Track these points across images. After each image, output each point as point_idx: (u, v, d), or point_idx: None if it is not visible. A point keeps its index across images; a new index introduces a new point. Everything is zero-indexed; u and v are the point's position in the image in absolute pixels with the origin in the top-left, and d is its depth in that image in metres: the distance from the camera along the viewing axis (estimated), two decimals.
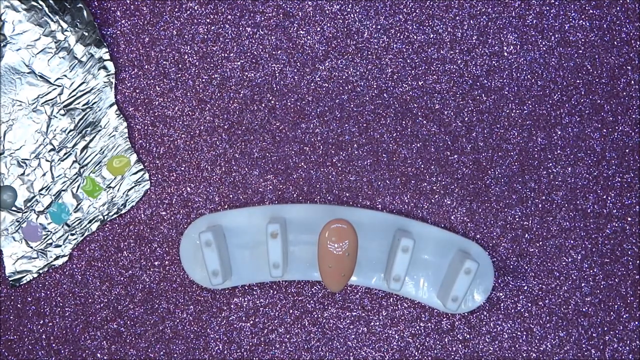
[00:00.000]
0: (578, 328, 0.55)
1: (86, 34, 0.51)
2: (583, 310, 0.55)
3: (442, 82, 0.54)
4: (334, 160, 0.54)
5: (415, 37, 0.54)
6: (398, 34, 0.53)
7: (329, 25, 0.53)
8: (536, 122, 0.54)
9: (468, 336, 0.55)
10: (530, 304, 0.55)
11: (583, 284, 0.55)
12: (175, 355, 0.55)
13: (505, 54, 0.54)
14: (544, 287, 0.55)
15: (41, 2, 0.50)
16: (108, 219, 0.54)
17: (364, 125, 0.54)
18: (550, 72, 0.54)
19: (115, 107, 0.53)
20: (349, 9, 0.53)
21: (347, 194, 0.54)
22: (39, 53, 0.51)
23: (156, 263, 0.55)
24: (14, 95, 0.51)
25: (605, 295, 0.55)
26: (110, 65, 0.52)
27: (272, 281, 0.54)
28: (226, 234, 0.53)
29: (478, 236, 0.55)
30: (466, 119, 0.54)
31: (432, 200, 0.54)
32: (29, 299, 0.54)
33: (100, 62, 0.52)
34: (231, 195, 0.54)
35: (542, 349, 0.55)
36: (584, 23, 0.54)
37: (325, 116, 0.54)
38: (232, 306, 0.55)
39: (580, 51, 0.54)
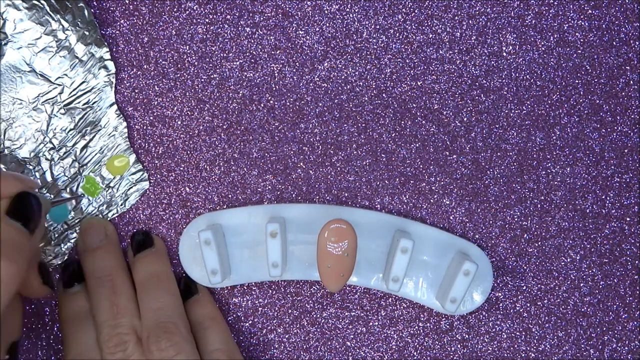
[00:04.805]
0: (577, 328, 0.55)
1: (87, 33, 0.51)
2: (582, 310, 0.55)
3: (441, 82, 0.54)
4: (333, 160, 0.54)
5: (414, 37, 0.54)
6: (397, 34, 0.54)
7: (328, 25, 0.53)
8: (535, 122, 0.54)
9: (467, 336, 0.55)
10: (529, 304, 0.55)
11: (582, 284, 0.55)
12: None
13: (504, 54, 0.54)
14: (542, 287, 0.55)
15: (42, 1, 0.50)
16: (107, 219, 0.54)
17: (363, 125, 0.54)
18: (549, 72, 0.54)
19: (115, 106, 0.53)
20: (348, 9, 0.53)
21: (346, 194, 0.54)
22: (40, 52, 0.51)
23: None
24: (15, 94, 0.51)
25: (604, 296, 0.55)
26: (110, 64, 0.52)
27: (271, 281, 0.54)
28: (225, 232, 0.53)
29: (477, 236, 0.54)
30: (465, 119, 0.54)
31: (431, 200, 0.54)
32: (29, 299, 0.54)
33: (100, 62, 0.52)
34: (230, 195, 0.54)
35: (540, 349, 0.55)
36: (583, 23, 0.54)
37: (324, 116, 0.54)
38: (230, 306, 0.55)
39: (579, 51, 0.54)
